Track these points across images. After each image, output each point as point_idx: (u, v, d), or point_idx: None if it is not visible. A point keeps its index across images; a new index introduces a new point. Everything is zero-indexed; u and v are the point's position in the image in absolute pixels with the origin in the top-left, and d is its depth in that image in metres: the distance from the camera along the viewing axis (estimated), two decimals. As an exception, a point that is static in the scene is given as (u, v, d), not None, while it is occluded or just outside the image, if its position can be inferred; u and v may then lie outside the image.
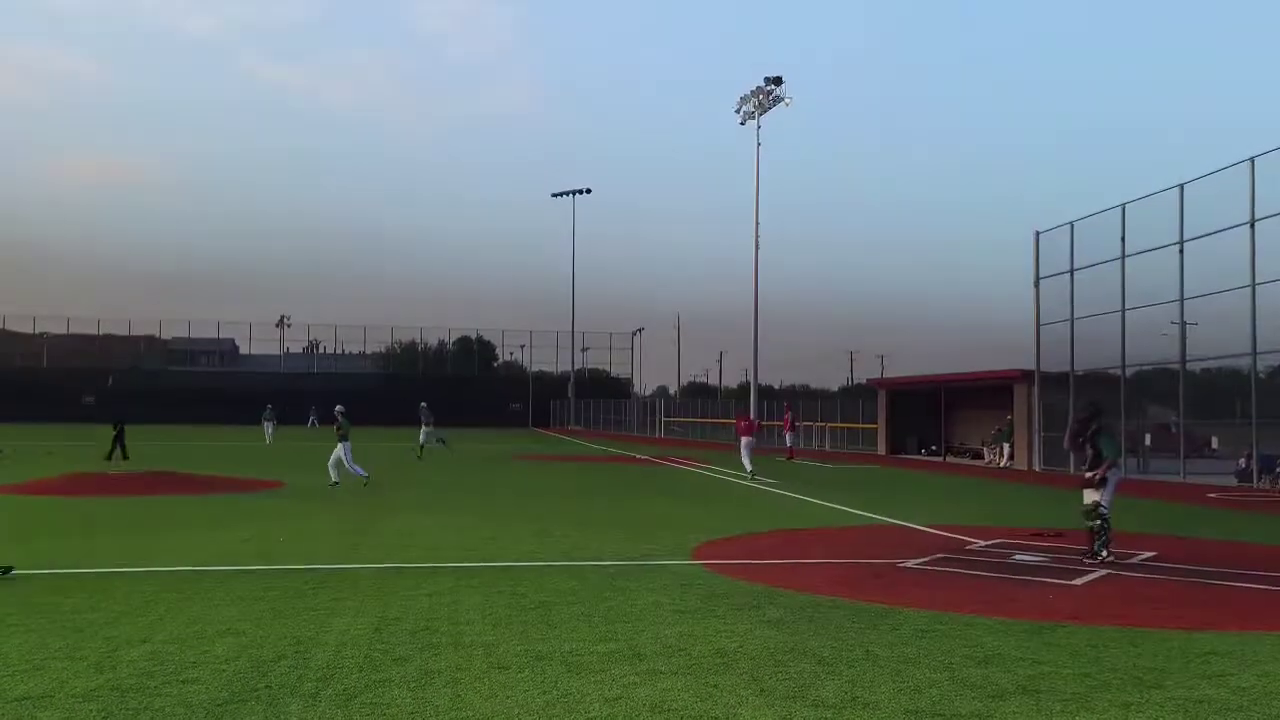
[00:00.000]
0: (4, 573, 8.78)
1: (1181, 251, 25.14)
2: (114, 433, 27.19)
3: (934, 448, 38.45)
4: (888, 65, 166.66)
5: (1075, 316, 29.04)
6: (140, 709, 5.00)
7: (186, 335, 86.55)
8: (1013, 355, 44.19)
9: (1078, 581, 9.38)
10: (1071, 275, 29.33)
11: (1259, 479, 23.59)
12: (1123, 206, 27.36)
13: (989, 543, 12.22)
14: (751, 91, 50.28)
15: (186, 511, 14.88)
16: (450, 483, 21.50)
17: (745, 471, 24.60)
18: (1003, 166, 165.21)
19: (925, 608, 7.91)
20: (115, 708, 5.01)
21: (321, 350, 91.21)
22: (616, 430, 68.42)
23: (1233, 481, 24.27)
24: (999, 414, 33.36)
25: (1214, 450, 28.81)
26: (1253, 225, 23.22)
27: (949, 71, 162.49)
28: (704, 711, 5.06)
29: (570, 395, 78.48)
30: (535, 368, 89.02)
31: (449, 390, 78.33)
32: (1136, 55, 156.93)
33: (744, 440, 25.93)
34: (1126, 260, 27.03)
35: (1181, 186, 25.32)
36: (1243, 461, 24.74)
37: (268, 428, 43.41)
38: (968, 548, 11.78)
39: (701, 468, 28.59)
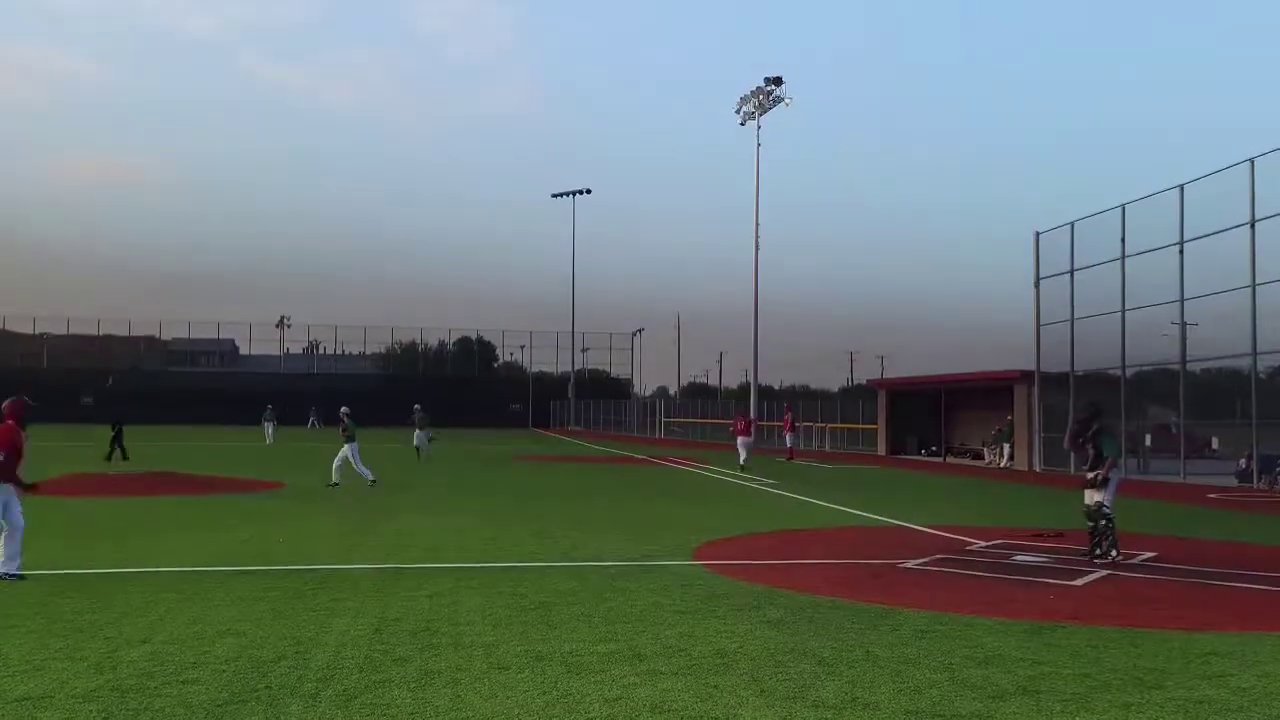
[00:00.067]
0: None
1: (1181, 252, 25.15)
2: (112, 433, 27.20)
3: (934, 448, 38.44)
4: (888, 65, 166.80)
5: (1075, 317, 29.05)
6: (140, 709, 5.00)
7: (186, 336, 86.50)
8: (1013, 356, 44.20)
9: (1078, 582, 9.38)
10: (1071, 276, 29.34)
11: (1259, 479, 23.59)
12: (1123, 207, 27.37)
13: (989, 543, 12.22)
14: (751, 92, 50.30)
15: (186, 512, 14.88)
16: (450, 484, 21.50)
17: (739, 466, 25.11)
18: (1003, 166, 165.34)
19: (925, 608, 7.91)
20: (115, 708, 5.01)
21: (321, 351, 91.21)
22: (616, 431, 68.42)
23: (1233, 482, 24.27)
24: (999, 414, 33.36)
25: (1214, 451, 28.81)
26: (1253, 226, 23.23)
27: (949, 71, 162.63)
28: (704, 712, 5.06)
29: (570, 396, 78.48)
30: (535, 368, 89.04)
31: (449, 391, 78.37)
32: (1136, 55, 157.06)
33: (740, 440, 26.17)
34: (1127, 261, 27.04)
35: (1181, 187, 25.33)
36: (1243, 462, 24.75)
37: (268, 428, 43.43)
38: (968, 548, 11.78)
39: (701, 468, 28.59)
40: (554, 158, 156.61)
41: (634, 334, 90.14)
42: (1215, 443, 29.26)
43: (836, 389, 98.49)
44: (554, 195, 74.45)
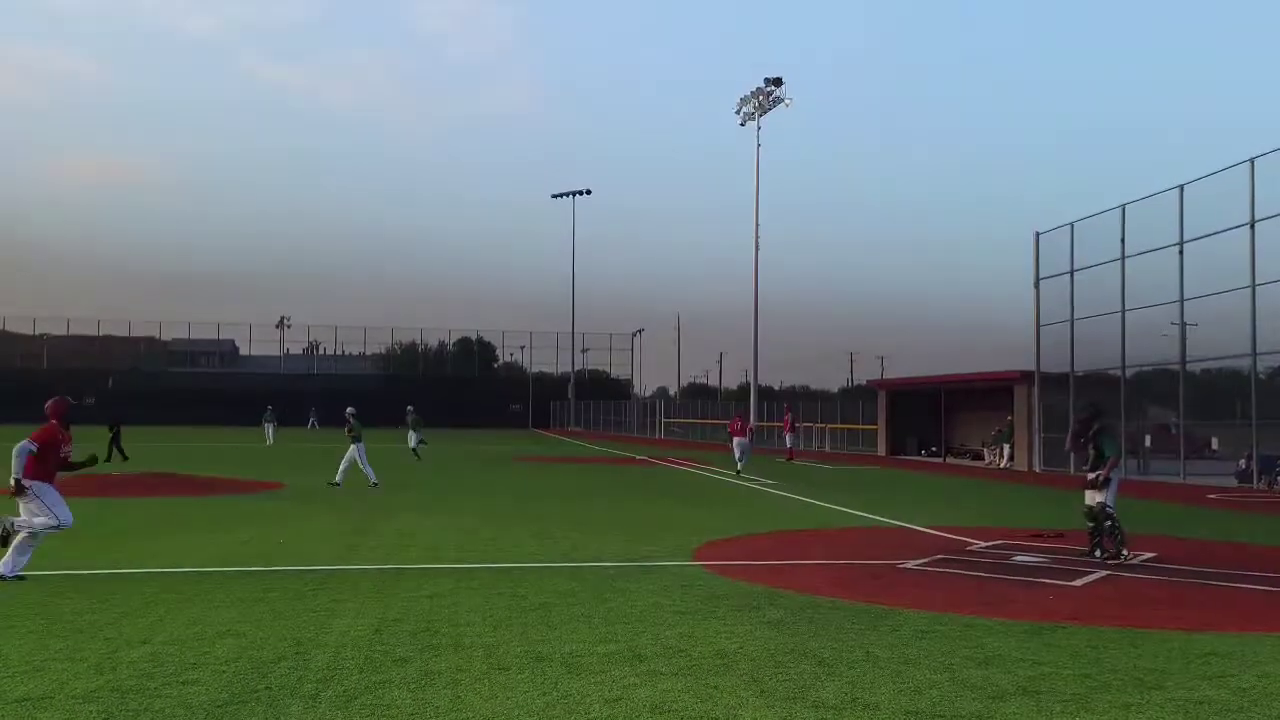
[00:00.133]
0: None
1: (1181, 252, 25.16)
2: (110, 435, 27.18)
3: (934, 449, 38.44)
4: (888, 65, 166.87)
5: (1075, 317, 29.05)
6: (140, 710, 5.00)
7: (186, 336, 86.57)
8: (1013, 356, 44.19)
9: (1077, 582, 9.38)
10: (1071, 276, 29.35)
11: (1259, 480, 23.59)
12: (1123, 207, 27.38)
13: (989, 544, 12.22)
14: (752, 92, 50.35)
15: (186, 513, 14.88)
16: (450, 484, 21.51)
17: (736, 469, 25.21)
18: (1003, 166, 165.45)
19: (925, 609, 7.91)
20: (115, 709, 5.01)
21: (321, 351, 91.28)
22: (616, 431, 68.43)
23: (1233, 482, 24.27)
24: (999, 415, 33.36)
25: (1214, 451, 28.81)
26: (1253, 226, 23.23)
27: (949, 71, 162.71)
28: (704, 712, 5.06)
29: (570, 396, 78.50)
30: (535, 369, 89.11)
31: (449, 391, 78.46)
32: (1136, 55, 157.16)
33: (736, 440, 26.21)
34: (1126, 261, 27.06)
35: (1181, 187, 25.34)
36: (1243, 462, 24.75)
37: (268, 429, 43.45)
38: (968, 549, 11.78)
39: (701, 469, 28.59)
40: (554, 158, 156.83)
41: (634, 334, 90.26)
42: (1215, 443, 29.26)
43: (836, 389, 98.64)
44: (554, 196, 74.56)
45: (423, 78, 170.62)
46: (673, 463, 31.93)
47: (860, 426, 43.91)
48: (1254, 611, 8.19)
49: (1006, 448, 32.25)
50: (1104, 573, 9.94)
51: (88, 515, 14.32)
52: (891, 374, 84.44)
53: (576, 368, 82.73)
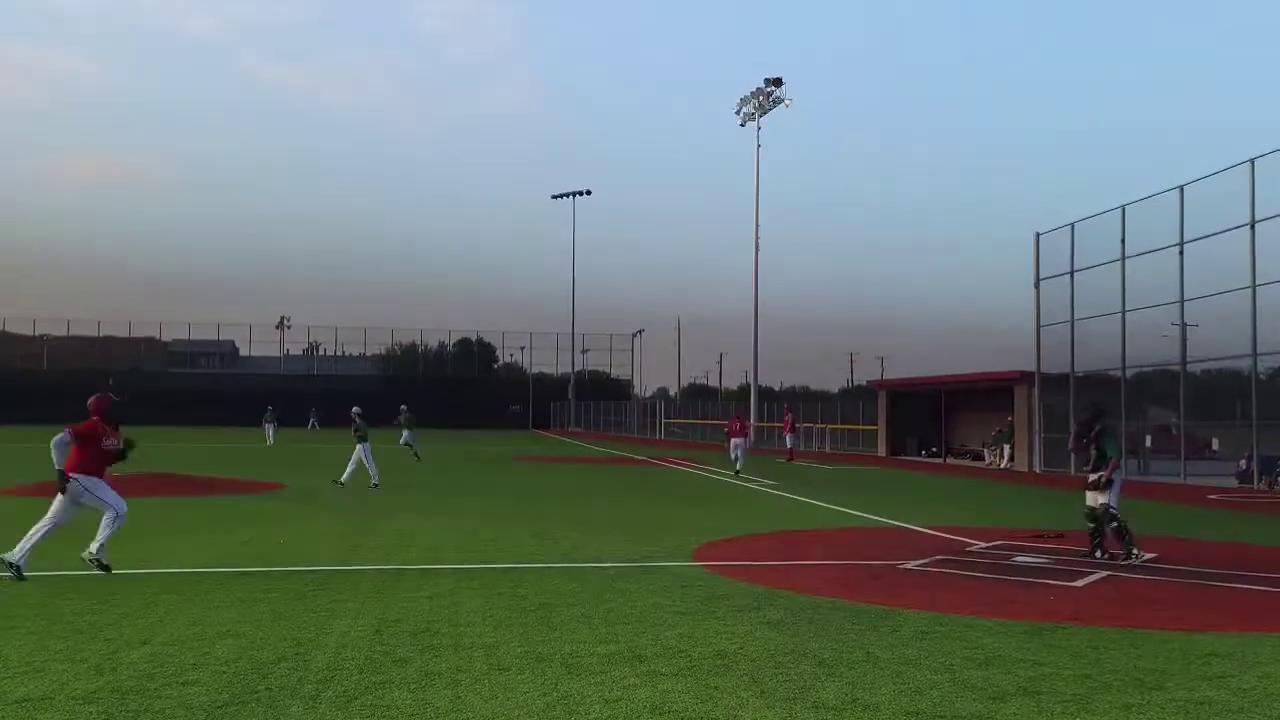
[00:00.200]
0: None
1: (1182, 253, 25.16)
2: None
3: (934, 449, 38.44)
4: (888, 65, 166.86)
5: (1075, 318, 29.06)
6: (140, 711, 5.00)
7: (187, 337, 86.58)
8: (1013, 357, 44.23)
9: (1078, 583, 9.38)
10: (1072, 276, 29.36)
11: (1259, 480, 23.59)
12: (1123, 208, 27.39)
13: (989, 544, 12.22)
14: (752, 93, 50.36)
15: (187, 513, 14.87)
16: (450, 485, 21.51)
17: (734, 470, 25.25)
18: (1003, 166, 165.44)
19: (925, 609, 7.91)
20: (115, 710, 5.01)
21: (321, 352, 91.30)
22: (617, 432, 68.42)
23: (1233, 483, 24.27)
24: (999, 415, 33.37)
25: (1214, 452, 28.83)
26: (1253, 227, 23.24)
27: (949, 71, 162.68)
28: (704, 713, 5.06)
29: (570, 397, 78.51)
30: (535, 369, 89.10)
31: (449, 392, 78.50)
32: (1136, 55, 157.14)
33: (733, 441, 26.27)
34: (1127, 262, 27.06)
35: (1182, 188, 25.35)
36: (1243, 463, 24.75)
37: (269, 430, 43.45)
38: (968, 549, 11.78)
39: (701, 469, 28.59)
40: (554, 158, 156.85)
41: (634, 335, 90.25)
42: (1215, 444, 29.28)
43: (836, 390, 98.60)
44: (554, 196, 74.60)
45: (423, 78, 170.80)
46: (673, 463, 31.93)
47: (860, 427, 43.91)
48: (1254, 612, 8.18)
49: (1007, 448, 32.27)
50: (1104, 573, 9.93)
51: (88, 515, 14.30)
52: (891, 374, 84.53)
53: (577, 368, 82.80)
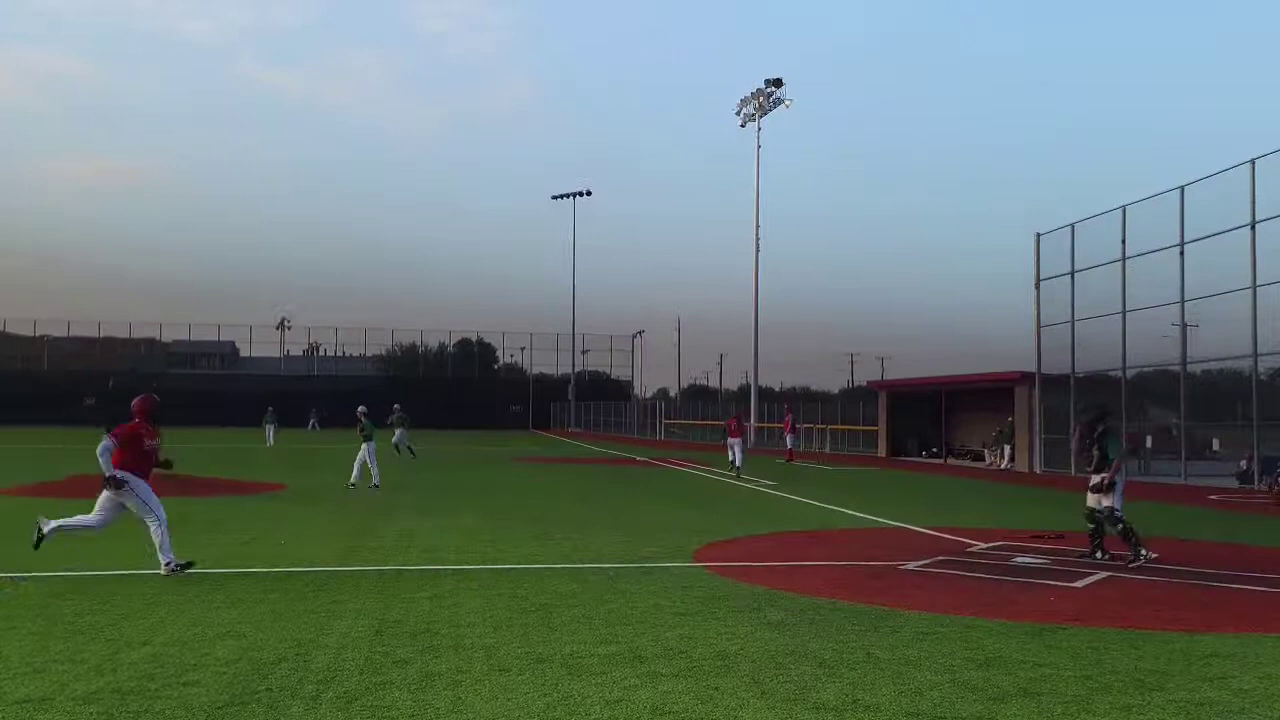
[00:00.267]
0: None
1: (1182, 253, 25.17)
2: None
3: (934, 450, 38.43)
4: (888, 66, 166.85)
5: (1076, 318, 29.07)
6: (141, 712, 5.00)
7: (187, 338, 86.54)
8: (1013, 357, 44.32)
9: (1078, 584, 9.38)
10: (1072, 277, 29.36)
11: (1260, 481, 23.58)
12: (1123, 208, 27.40)
13: (989, 545, 12.21)
14: (752, 94, 50.39)
15: (187, 513, 14.86)
16: (450, 485, 21.51)
17: (734, 468, 25.27)
18: (1003, 167, 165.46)
19: (926, 610, 7.91)
20: (116, 710, 5.01)
21: (322, 353, 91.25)
22: (617, 432, 68.40)
23: (1234, 483, 24.27)
24: (1000, 416, 33.36)
25: (1215, 452, 28.82)
26: (1253, 227, 23.24)
27: (949, 72, 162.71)
28: (705, 714, 5.06)
29: (570, 397, 78.51)
30: (535, 370, 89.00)
31: (449, 392, 78.47)
32: (1136, 55, 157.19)
33: (731, 441, 26.30)
34: (1127, 262, 27.07)
35: (1182, 189, 25.36)
36: (1244, 463, 24.75)
37: (269, 430, 43.45)
38: (968, 550, 11.78)
39: (701, 470, 28.59)
40: (554, 160, 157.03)
41: (634, 336, 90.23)
42: (1216, 444, 29.27)
43: (837, 390, 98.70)
44: (554, 197, 74.62)
45: (422, 78, 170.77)
46: (673, 464, 31.93)
47: (860, 427, 43.91)
48: (1255, 613, 8.18)
49: (1007, 449, 32.26)
50: (1105, 574, 9.93)
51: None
52: (892, 375, 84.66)
53: (577, 369, 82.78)
